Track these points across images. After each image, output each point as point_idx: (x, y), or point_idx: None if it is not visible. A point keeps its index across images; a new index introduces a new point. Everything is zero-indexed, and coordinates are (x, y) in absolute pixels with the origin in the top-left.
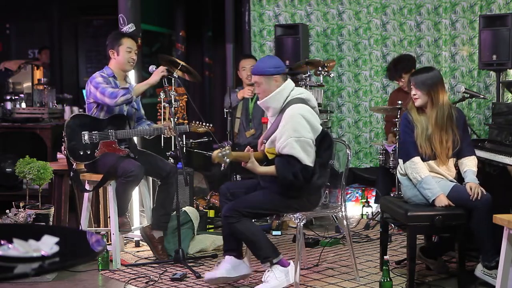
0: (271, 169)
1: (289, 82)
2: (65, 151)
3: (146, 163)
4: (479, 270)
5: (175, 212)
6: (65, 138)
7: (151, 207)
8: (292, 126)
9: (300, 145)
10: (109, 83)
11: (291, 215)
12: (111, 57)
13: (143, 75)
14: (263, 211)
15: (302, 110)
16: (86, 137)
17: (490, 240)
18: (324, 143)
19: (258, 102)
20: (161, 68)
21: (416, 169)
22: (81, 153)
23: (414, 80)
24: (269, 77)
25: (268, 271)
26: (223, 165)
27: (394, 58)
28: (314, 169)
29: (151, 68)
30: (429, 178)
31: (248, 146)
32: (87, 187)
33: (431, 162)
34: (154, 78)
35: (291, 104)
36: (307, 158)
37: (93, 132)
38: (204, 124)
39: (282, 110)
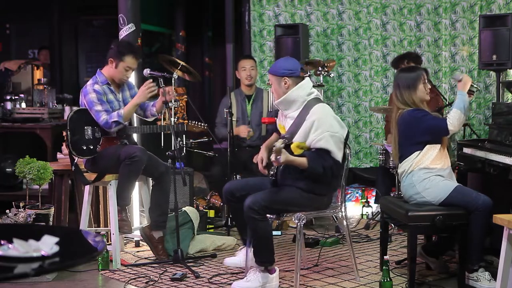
0: (302, 160)
1: (307, 82)
2: (68, 146)
3: None
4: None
5: (173, 212)
6: (68, 132)
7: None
8: (328, 121)
9: (334, 140)
10: (104, 95)
11: (292, 215)
12: (108, 64)
13: (143, 76)
14: (289, 208)
15: (330, 109)
16: (89, 131)
17: (481, 243)
18: (346, 143)
19: (275, 103)
20: (146, 86)
21: (455, 117)
22: (84, 148)
23: (428, 76)
24: (279, 78)
25: (253, 270)
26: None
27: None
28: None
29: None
30: (455, 109)
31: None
32: (86, 188)
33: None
34: (140, 99)
35: (315, 102)
36: (339, 153)
37: (95, 127)
38: (200, 124)
39: (305, 107)
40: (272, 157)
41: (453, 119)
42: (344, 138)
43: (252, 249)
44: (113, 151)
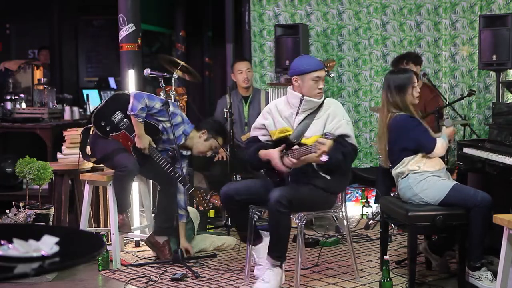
0: None
1: None
2: (93, 110)
3: (148, 166)
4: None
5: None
6: (102, 103)
7: (151, 207)
8: (342, 111)
9: (350, 127)
10: (168, 109)
11: (293, 215)
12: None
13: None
14: (308, 206)
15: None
16: (118, 117)
17: (482, 240)
18: None
19: (318, 100)
20: (143, 145)
21: (443, 145)
22: (102, 124)
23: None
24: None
25: (268, 269)
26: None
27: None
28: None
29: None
30: (443, 140)
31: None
32: (86, 188)
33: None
34: (140, 144)
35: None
36: (354, 140)
37: (125, 118)
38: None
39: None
40: (323, 158)
41: (441, 147)
42: None
43: (262, 244)
44: (110, 150)
